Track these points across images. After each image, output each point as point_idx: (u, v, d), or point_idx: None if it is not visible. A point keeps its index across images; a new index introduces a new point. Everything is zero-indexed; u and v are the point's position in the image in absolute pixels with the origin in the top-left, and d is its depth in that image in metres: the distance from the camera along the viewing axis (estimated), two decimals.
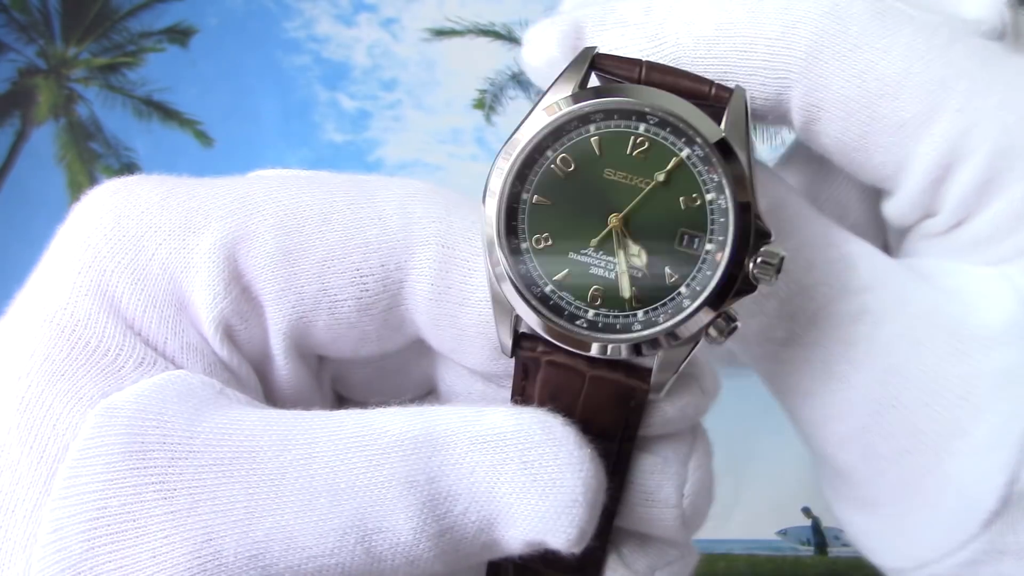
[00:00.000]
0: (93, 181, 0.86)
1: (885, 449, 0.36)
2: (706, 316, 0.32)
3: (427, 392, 0.40)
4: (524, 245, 0.33)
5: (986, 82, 0.36)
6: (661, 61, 0.35)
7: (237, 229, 0.34)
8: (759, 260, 0.32)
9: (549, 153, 0.33)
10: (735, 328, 0.33)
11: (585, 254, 0.33)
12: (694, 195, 0.33)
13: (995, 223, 0.36)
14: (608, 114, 0.33)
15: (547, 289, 0.33)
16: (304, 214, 0.34)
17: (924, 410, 0.35)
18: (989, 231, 0.37)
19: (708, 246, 0.33)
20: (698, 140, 0.33)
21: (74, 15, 0.93)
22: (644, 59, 0.34)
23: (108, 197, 0.35)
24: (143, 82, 0.90)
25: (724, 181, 0.33)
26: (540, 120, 0.33)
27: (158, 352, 0.33)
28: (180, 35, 0.91)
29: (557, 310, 0.33)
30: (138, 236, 0.34)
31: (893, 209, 0.39)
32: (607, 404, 0.33)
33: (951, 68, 0.36)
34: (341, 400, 0.40)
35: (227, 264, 0.33)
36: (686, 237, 0.33)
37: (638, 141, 0.33)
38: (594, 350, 0.33)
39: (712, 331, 0.33)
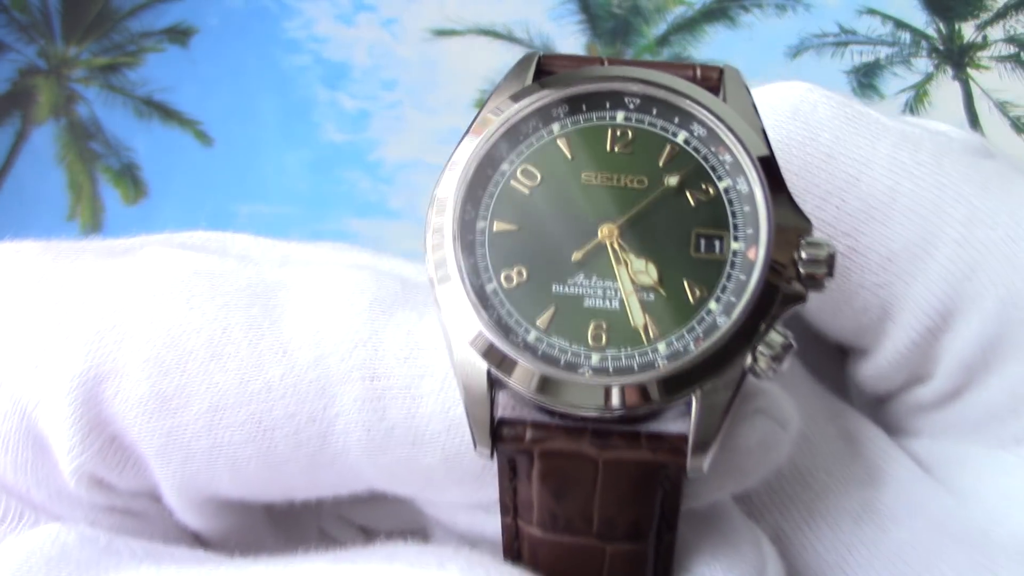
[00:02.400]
0: (93, 181, 0.86)
1: None
2: (749, 334, 0.25)
3: None
4: (491, 286, 0.26)
5: (990, 209, 0.29)
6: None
7: (102, 361, 0.26)
8: (804, 255, 0.25)
9: (505, 167, 0.26)
10: (790, 348, 0.25)
11: (573, 284, 0.26)
12: (704, 185, 0.26)
13: (1012, 392, 0.29)
14: (574, 105, 0.27)
15: (531, 337, 0.25)
16: (187, 345, 0.26)
17: None
18: (1003, 403, 0.29)
19: (735, 244, 0.26)
20: (698, 116, 0.27)
21: (74, 15, 0.92)
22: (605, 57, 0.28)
23: None
24: (143, 82, 0.90)
25: (743, 159, 0.26)
26: (473, 141, 0.27)
27: (24, 502, 0.27)
28: (180, 35, 0.91)
29: (549, 360, 0.25)
30: None
31: (872, 370, 0.31)
32: (632, 492, 0.25)
33: (946, 190, 0.29)
34: None
35: (88, 407, 0.26)
36: (703, 240, 0.26)
37: (618, 133, 0.27)
38: (613, 399, 0.25)
39: (761, 356, 0.25)
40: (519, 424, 0.25)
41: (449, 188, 0.26)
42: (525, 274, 0.26)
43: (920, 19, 0.89)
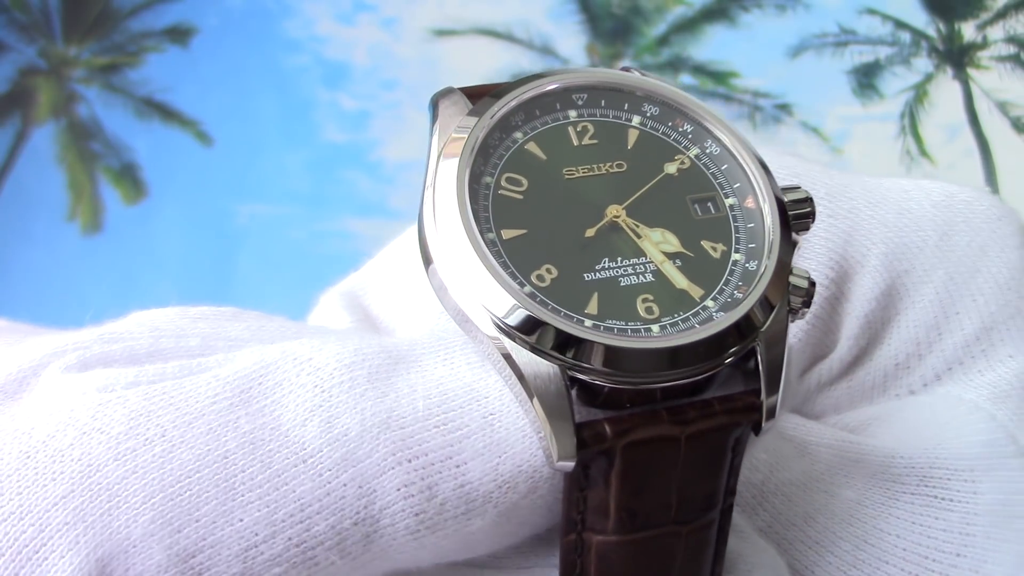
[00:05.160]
0: (93, 181, 0.86)
1: None
2: (782, 274, 0.26)
3: None
4: (527, 290, 0.25)
5: (841, 184, 0.31)
6: None
7: (98, 541, 0.23)
8: (788, 199, 0.27)
9: (488, 179, 0.26)
10: (814, 284, 0.26)
11: (602, 269, 0.26)
12: (676, 157, 0.27)
13: (912, 337, 0.31)
14: (528, 111, 0.27)
15: (587, 324, 0.25)
16: (192, 491, 0.23)
17: None
18: (906, 350, 0.31)
19: (729, 200, 0.27)
20: (643, 96, 0.28)
21: (74, 15, 0.93)
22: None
23: None
24: (143, 82, 0.90)
25: (705, 120, 0.28)
26: (454, 151, 0.26)
27: None
28: (180, 35, 0.91)
29: (616, 331, 0.25)
30: None
31: None
32: (709, 464, 0.25)
33: (800, 176, 0.31)
34: None
35: None
36: (698, 205, 0.27)
37: (579, 129, 0.28)
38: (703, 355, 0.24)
39: (794, 295, 0.26)
40: (596, 424, 0.24)
41: (449, 207, 0.25)
42: (555, 271, 0.25)
43: (920, 19, 0.89)
